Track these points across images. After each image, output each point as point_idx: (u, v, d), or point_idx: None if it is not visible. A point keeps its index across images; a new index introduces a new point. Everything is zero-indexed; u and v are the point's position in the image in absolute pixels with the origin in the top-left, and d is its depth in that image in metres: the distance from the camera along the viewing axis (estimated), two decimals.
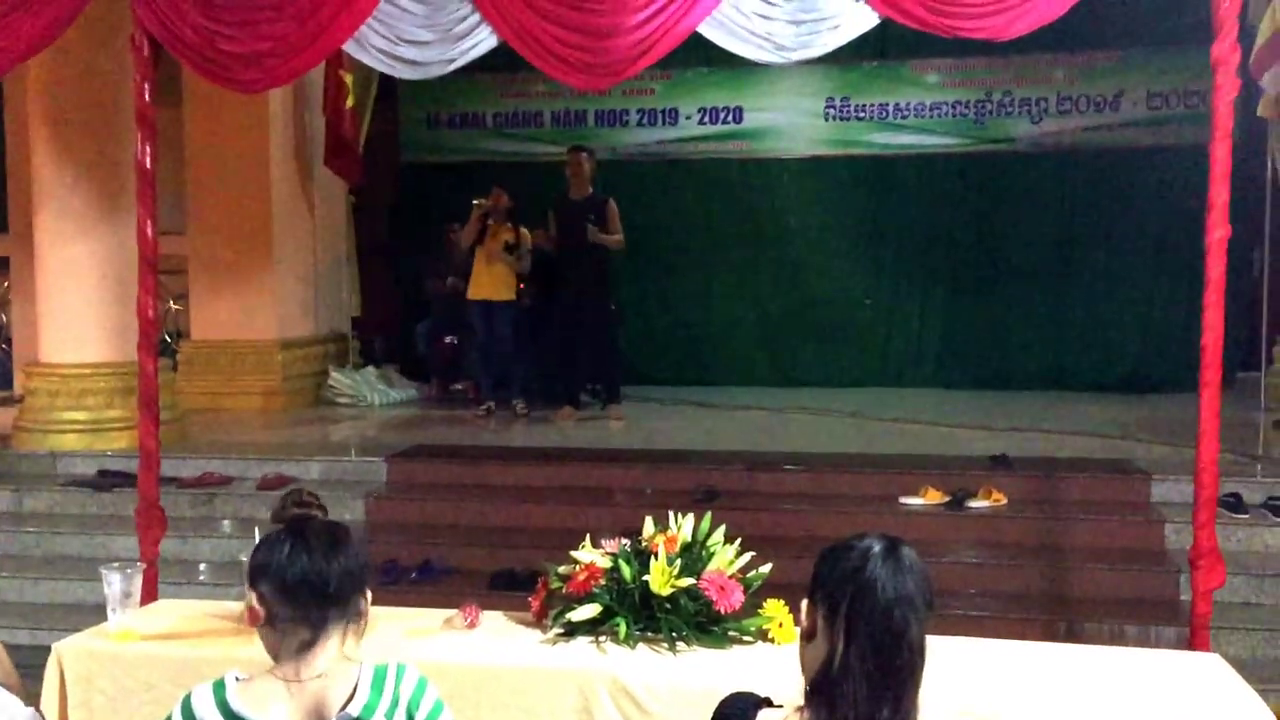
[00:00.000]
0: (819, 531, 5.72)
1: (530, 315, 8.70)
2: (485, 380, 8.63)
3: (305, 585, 1.99)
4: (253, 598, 2.02)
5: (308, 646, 1.99)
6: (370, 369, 9.63)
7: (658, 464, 6.50)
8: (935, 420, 8.01)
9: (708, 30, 3.94)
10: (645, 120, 10.28)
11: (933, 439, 7.38)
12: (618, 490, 6.28)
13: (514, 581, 5.37)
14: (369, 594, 2.09)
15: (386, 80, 8.78)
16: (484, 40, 4.05)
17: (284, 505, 2.06)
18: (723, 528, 3.19)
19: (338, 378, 9.28)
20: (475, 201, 8.20)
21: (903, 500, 5.91)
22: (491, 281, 8.31)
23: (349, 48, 4.09)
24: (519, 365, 8.59)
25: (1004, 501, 5.83)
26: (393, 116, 10.54)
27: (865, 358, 10.10)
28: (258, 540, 2.15)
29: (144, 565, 3.29)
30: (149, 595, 3.63)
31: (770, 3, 3.88)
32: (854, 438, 7.47)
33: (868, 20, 3.85)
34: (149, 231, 4.03)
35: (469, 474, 6.57)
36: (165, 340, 9.83)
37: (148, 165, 4.02)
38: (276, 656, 2.02)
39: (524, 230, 8.39)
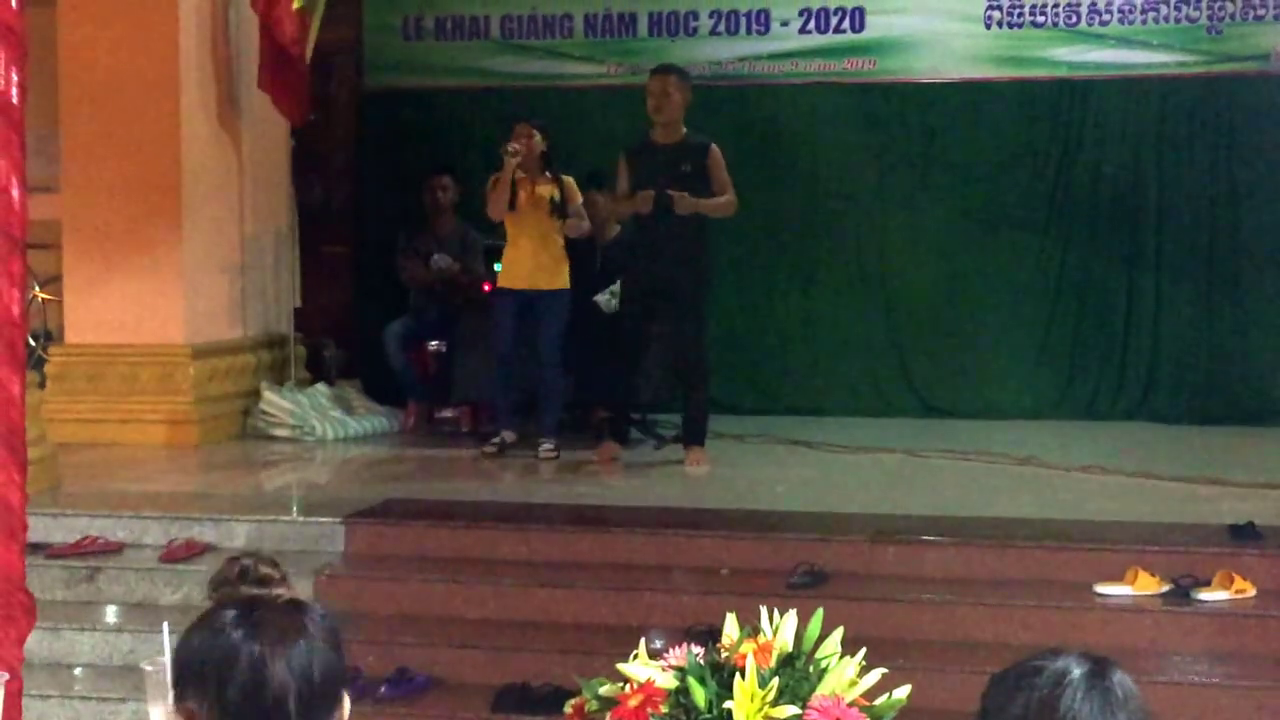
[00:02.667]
0: (976, 634, 5.73)
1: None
2: (504, 403, 8.67)
3: (252, 704, 2.01)
4: (179, 715, 2.04)
5: None
6: (320, 387, 9.72)
7: (740, 531, 6.51)
8: (1146, 471, 7.95)
9: None
10: (722, 27, 10.31)
11: (1143, 499, 7.33)
12: (681, 570, 6.30)
13: (530, 702, 5.39)
14: (347, 703, 2.11)
15: None
16: None
17: (227, 580, 2.11)
18: (840, 630, 3.19)
19: (274, 400, 9.37)
20: (508, 149, 8.20)
21: (1099, 590, 5.88)
22: (536, 262, 8.37)
23: None
24: (559, 386, 8.62)
25: (1251, 593, 5.78)
26: (353, 22, 10.64)
27: (1042, 378, 10.05)
28: (166, 633, 2.17)
29: (5, 676, 3.34)
30: (12, 717, 3.68)
31: None
32: (1026, 496, 7.44)
33: None
34: (14, 194, 4.11)
35: (464, 543, 6.61)
36: (29, 345, 9.95)
37: (14, 99, 4.09)
38: None
39: (568, 179, 8.45)
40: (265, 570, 2.08)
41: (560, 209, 8.33)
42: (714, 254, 8.53)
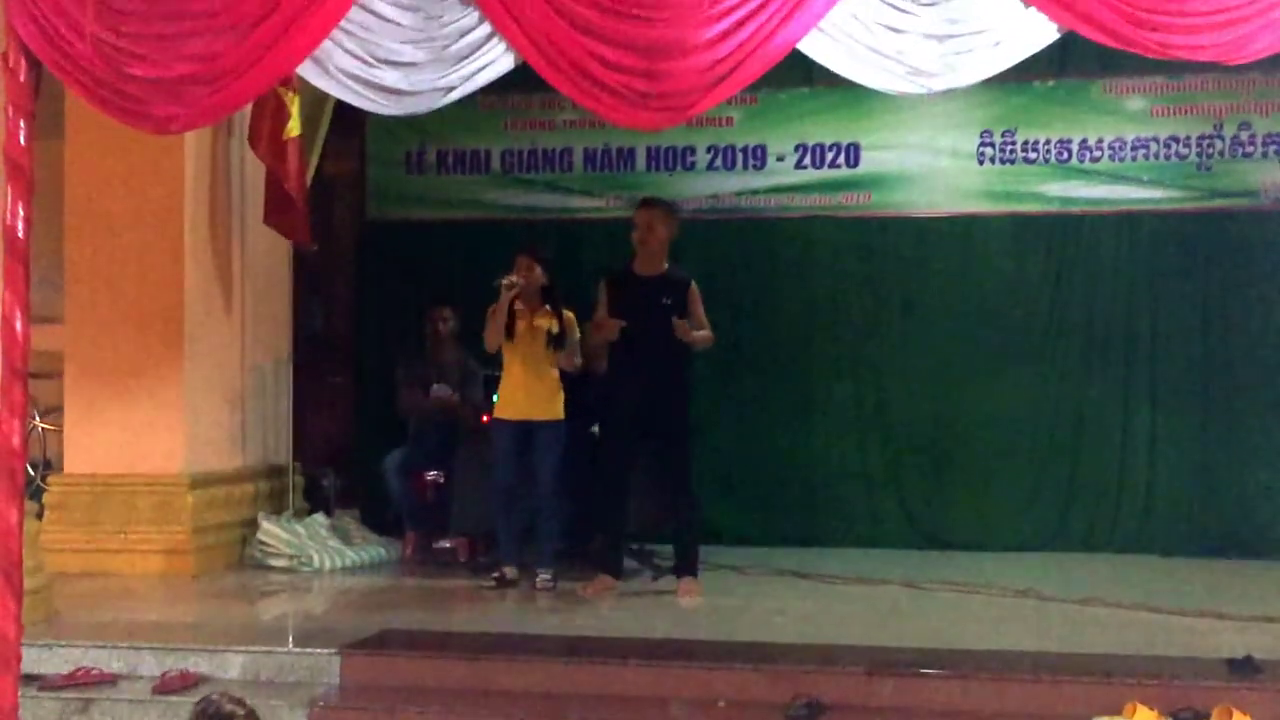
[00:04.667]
0: None
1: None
2: (507, 536, 8.60)
3: None
4: None
5: None
6: (319, 518, 9.71)
7: (735, 663, 6.47)
8: (1144, 604, 7.93)
9: (813, 48, 4.07)
10: (720, 162, 10.44)
11: (1141, 632, 7.30)
12: (677, 701, 6.25)
13: None
14: None
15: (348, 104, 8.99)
16: (495, 61, 4.21)
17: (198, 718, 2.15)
18: None
19: (272, 530, 9.36)
20: (504, 281, 8.28)
21: None
22: (531, 392, 8.41)
23: (305, 71, 4.23)
24: (558, 516, 8.59)
25: None
26: (356, 153, 10.78)
27: (1040, 510, 10.06)
28: None
29: None
30: None
31: (903, 10, 4.00)
32: (1024, 628, 7.43)
33: (1042, 35, 3.96)
34: (18, 326, 4.16)
35: (460, 674, 6.56)
36: (29, 474, 9.94)
37: (20, 233, 4.16)
38: None
39: (568, 313, 8.50)
40: (229, 708, 2.10)
41: (558, 341, 8.37)
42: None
